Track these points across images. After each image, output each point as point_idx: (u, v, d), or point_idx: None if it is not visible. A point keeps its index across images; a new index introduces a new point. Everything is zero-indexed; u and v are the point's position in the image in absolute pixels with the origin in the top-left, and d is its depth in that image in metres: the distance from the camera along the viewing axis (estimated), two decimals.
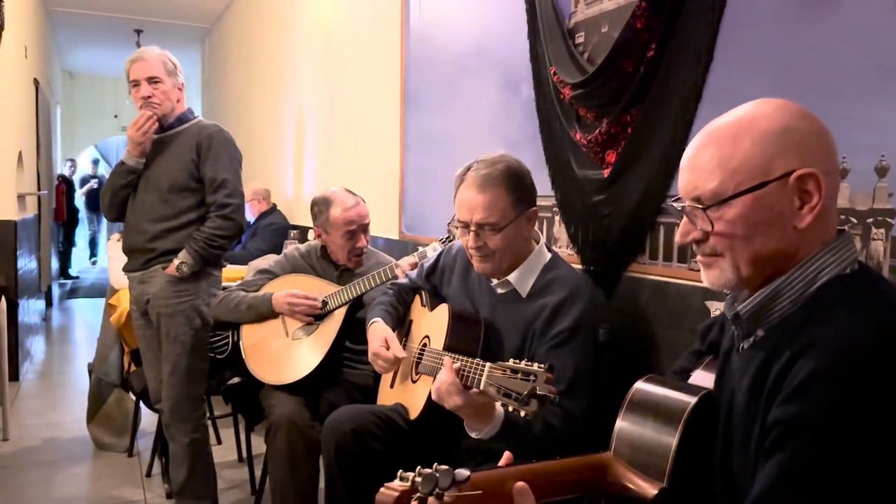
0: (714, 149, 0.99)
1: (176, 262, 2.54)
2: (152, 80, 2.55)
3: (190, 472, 2.65)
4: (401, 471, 0.86)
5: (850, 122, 1.33)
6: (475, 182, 1.75)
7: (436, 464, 0.85)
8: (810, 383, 0.86)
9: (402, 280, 2.20)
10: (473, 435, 1.59)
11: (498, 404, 1.54)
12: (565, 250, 2.17)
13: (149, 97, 2.54)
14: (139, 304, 2.66)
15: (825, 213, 0.97)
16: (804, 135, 0.97)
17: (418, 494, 0.83)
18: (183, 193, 2.58)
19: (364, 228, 2.51)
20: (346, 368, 2.50)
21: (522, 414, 1.33)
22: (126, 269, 2.70)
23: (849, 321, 0.88)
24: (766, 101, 1.02)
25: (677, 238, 1.05)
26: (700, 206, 1.00)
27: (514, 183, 1.76)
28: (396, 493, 0.82)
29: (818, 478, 0.84)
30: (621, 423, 1.10)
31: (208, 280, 2.66)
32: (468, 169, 1.79)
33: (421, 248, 2.34)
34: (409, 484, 0.83)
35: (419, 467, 0.84)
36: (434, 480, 0.83)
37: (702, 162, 1.00)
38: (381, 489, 0.83)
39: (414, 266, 2.29)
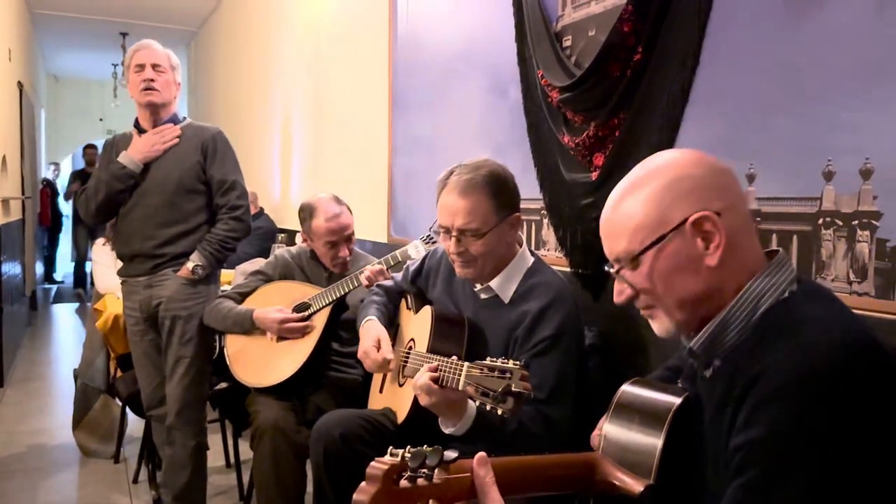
0: (617, 212, 1.08)
1: (190, 264, 2.53)
2: (156, 67, 2.54)
3: (192, 476, 2.62)
4: (391, 447, 0.87)
5: (834, 125, 1.34)
6: (457, 187, 1.74)
7: (426, 445, 0.87)
8: (760, 409, 0.90)
9: (388, 282, 2.20)
10: (447, 431, 1.61)
11: (471, 402, 1.57)
12: (553, 253, 2.18)
13: (152, 80, 2.52)
14: (144, 309, 2.60)
15: (735, 246, 1.01)
16: (694, 181, 1.03)
17: (408, 472, 0.84)
18: (191, 196, 2.56)
19: (347, 239, 2.50)
20: (333, 372, 2.49)
21: (500, 412, 1.34)
22: (125, 274, 2.65)
23: (788, 350, 0.92)
24: (655, 158, 1.09)
25: (615, 299, 1.11)
26: (619, 268, 1.07)
27: (497, 188, 1.75)
28: (386, 467, 0.84)
29: (776, 496, 0.87)
30: (608, 425, 1.12)
31: (216, 282, 2.67)
32: (450, 173, 1.78)
33: (403, 248, 2.34)
34: (398, 460, 0.85)
35: (409, 446, 0.86)
36: (422, 457, 0.86)
37: (610, 227, 1.09)
38: (372, 463, 0.85)
39: (378, 273, 2.29)
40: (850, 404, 0.86)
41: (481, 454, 0.93)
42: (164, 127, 2.56)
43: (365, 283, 2.29)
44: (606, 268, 1.11)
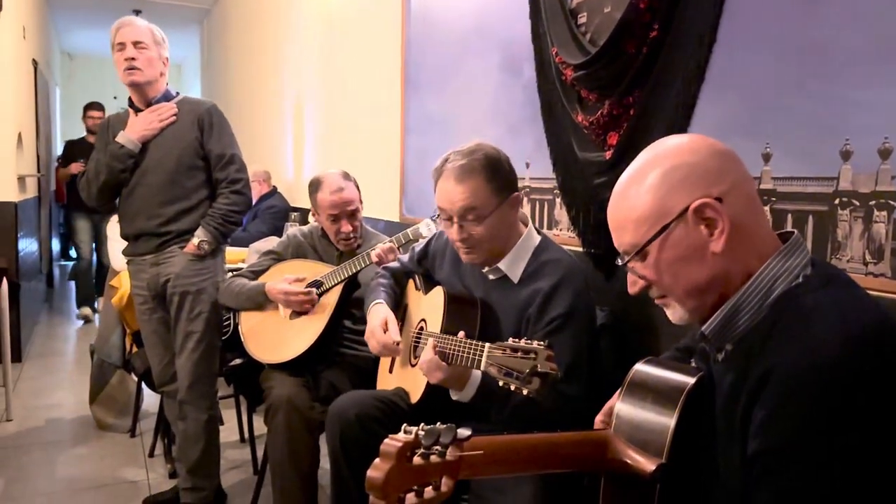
0: (619, 206, 1.08)
1: (195, 240, 2.54)
2: (138, 45, 2.51)
3: (205, 449, 2.66)
4: (405, 424, 0.88)
5: (853, 104, 1.32)
6: (453, 174, 1.75)
7: (439, 422, 0.88)
8: (775, 414, 0.89)
9: (394, 265, 2.21)
10: (455, 397, 1.67)
11: (475, 371, 1.60)
12: (566, 233, 2.17)
13: (133, 59, 2.49)
14: (152, 287, 2.62)
15: (741, 230, 1.00)
16: (691, 167, 1.02)
17: (421, 450, 0.85)
18: (191, 172, 2.56)
19: (349, 214, 2.51)
20: (345, 349, 2.51)
21: (525, 392, 1.34)
22: (131, 254, 2.66)
23: (802, 343, 0.90)
24: (655, 146, 1.08)
25: (629, 290, 1.11)
26: (628, 260, 1.07)
27: (493, 171, 1.75)
28: (400, 444, 0.85)
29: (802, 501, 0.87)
30: (621, 404, 1.12)
31: (222, 256, 2.69)
32: (445, 161, 1.79)
33: (414, 227, 2.34)
34: (412, 437, 0.86)
35: (423, 423, 0.87)
36: (436, 435, 0.87)
37: (615, 220, 1.09)
38: (386, 440, 0.86)
39: (388, 251, 2.30)
40: (859, 396, 0.85)
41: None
42: (160, 105, 2.55)
43: (375, 260, 2.30)
44: (618, 261, 1.11)
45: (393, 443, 0.86)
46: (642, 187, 1.04)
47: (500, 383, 1.40)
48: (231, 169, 2.57)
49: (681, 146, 1.05)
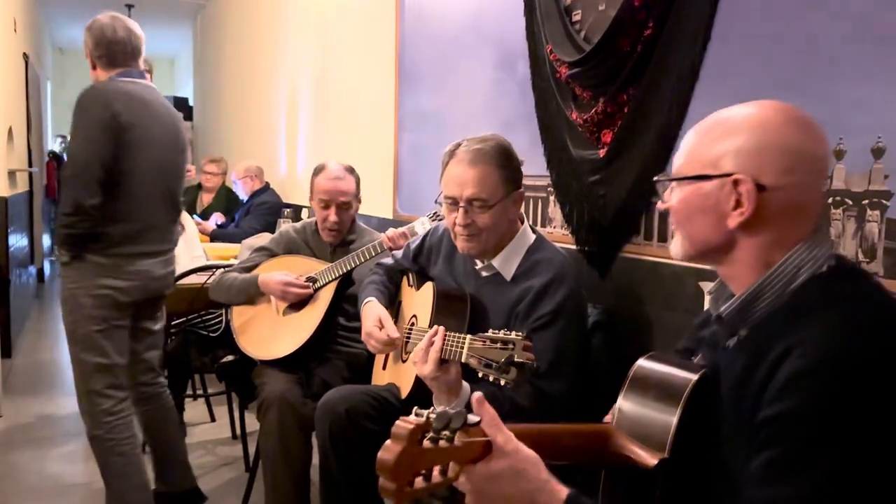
0: (692, 134, 1.09)
1: None
2: None
3: (101, 468, 2.45)
4: (416, 408, 0.90)
5: (846, 103, 1.33)
6: (466, 157, 1.75)
7: (450, 407, 0.88)
8: (795, 382, 0.88)
9: (389, 261, 2.20)
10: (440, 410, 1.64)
11: (465, 384, 1.61)
12: (560, 230, 2.17)
13: None
14: None
15: (767, 223, 0.99)
16: (765, 145, 0.99)
17: (430, 433, 0.86)
18: None
19: (339, 205, 2.50)
20: (339, 346, 2.50)
21: (503, 382, 1.36)
22: None
23: (827, 323, 0.91)
24: (761, 104, 1.04)
25: (658, 205, 1.15)
26: (668, 180, 1.11)
27: (505, 161, 1.76)
28: (412, 426, 0.85)
29: (806, 472, 0.86)
30: (623, 399, 1.12)
31: (92, 269, 2.32)
32: (458, 145, 1.79)
33: (410, 224, 2.34)
34: (423, 420, 0.86)
35: (434, 406, 0.88)
36: (448, 418, 0.87)
37: (683, 144, 1.10)
38: (398, 422, 0.86)
39: (402, 236, 2.30)
40: (890, 383, 0.85)
41: (479, 394, 0.96)
42: None
43: (388, 244, 2.31)
44: (656, 178, 1.14)
45: (405, 425, 0.85)
46: (720, 132, 1.04)
47: (480, 374, 1.41)
48: (63, 169, 2.33)
49: (776, 119, 1.00)
